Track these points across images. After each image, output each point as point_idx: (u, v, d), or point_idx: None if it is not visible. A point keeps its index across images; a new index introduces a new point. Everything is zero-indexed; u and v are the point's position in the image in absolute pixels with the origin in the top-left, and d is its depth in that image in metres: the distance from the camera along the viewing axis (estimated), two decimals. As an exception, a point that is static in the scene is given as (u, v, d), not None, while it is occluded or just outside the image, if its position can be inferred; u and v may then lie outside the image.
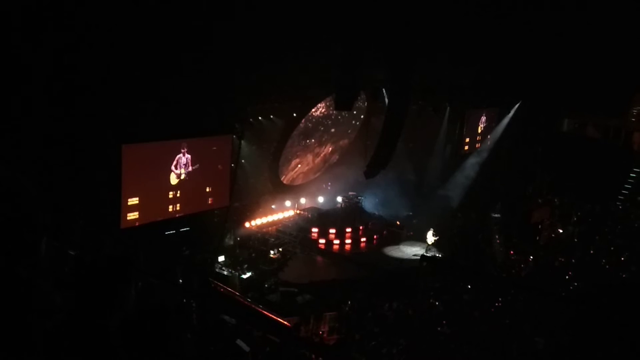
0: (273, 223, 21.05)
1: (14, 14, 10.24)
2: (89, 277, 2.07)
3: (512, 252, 18.61)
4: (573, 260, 17.29)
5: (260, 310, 11.40)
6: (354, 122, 22.60)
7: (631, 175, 22.87)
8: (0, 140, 10.75)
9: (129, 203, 14.27)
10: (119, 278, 2.11)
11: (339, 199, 23.57)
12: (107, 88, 12.38)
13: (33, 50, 10.88)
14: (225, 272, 15.96)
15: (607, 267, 16.81)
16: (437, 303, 13.86)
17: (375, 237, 21.04)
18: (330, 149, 22.92)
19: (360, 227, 21.05)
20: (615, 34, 18.84)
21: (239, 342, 5.61)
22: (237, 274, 15.99)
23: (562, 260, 17.42)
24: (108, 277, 2.08)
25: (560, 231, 20.04)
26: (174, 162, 15.45)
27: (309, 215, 21.89)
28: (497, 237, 19.73)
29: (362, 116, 22.58)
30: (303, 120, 19.89)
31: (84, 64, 11.81)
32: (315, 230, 20.61)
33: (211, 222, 17.26)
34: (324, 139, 22.06)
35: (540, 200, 21.93)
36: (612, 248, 18.05)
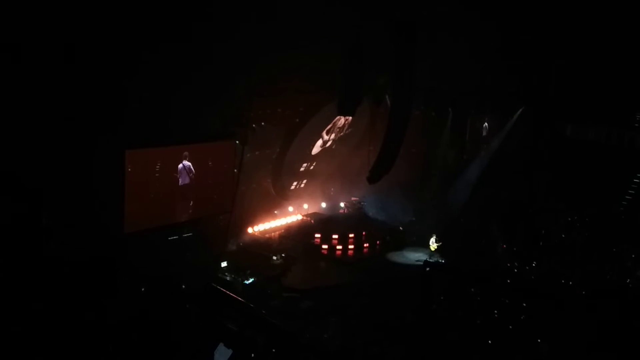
0: (276, 229, 21.03)
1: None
2: (86, 278, 2.08)
3: (515, 257, 18.52)
4: (576, 266, 17.20)
5: (264, 315, 11.36)
6: (356, 127, 22.58)
7: (635, 179, 22.78)
8: (3, 144, 10.81)
9: (131, 210, 14.25)
10: (110, 280, 2.12)
11: (342, 204, 23.56)
12: (110, 94, 12.45)
13: (35, 55, 10.94)
14: (227, 278, 15.93)
15: (611, 271, 16.71)
16: (440, 308, 13.80)
17: (377, 242, 20.99)
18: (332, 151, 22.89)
19: (363, 233, 21.01)
20: (620, 40, 18.84)
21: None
22: (239, 279, 15.95)
23: (566, 265, 17.33)
24: (101, 279, 2.09)
25: (564, 236, 19.95)
26: (177, 169, 15.48)
27: (312, 221, 21.87)
28: (500, 242, 19.65)
29: (364, 121, 22.57)
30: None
31: (87, 69, 11.87)
32: (318, 235, 20.59)
33: (214, 227, 17.26)
34: (327, 144, 22.05)
35: (543, 206, 21.85)
36: (615, 252, 17.96)
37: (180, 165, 15.53)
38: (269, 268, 17.47)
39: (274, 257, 18.07)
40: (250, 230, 19.85)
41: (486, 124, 25.71)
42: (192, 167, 15.73)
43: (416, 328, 13.11)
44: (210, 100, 14.63)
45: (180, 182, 15.62)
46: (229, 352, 6.02)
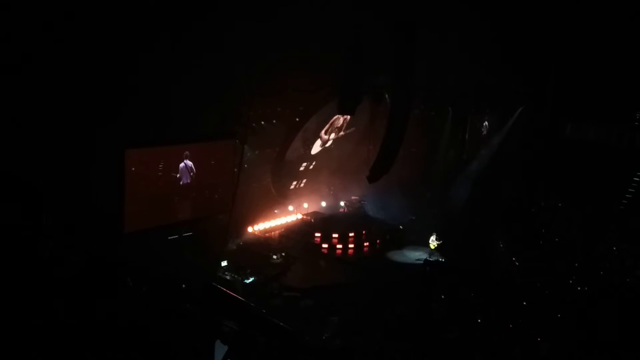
0: (276, 228, 21.04)
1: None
2: (86, 278, 2.09)
3: (515, 256, 18.54)
4: (576, 265, 17.22)
5: (264, 315, 11.38)
6: (357, 126, 22.60)
7: (634, 178, 22.79)
8: (3, 144, 10.81)
9: (131, 210, 14.26)
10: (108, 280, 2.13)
11: (342, 203, 23.56)
12: (110, 92, 12.45)
13: (35, 58, 10.95)
14: (228, 277, 15.96)
15: (611, 270, 16.72)
16: (440, 307, 13.81)
17: (378, 241, 21.00)
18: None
19: (363, 232, 21.03)
20: (619, 39, 18.86)
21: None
22: (239, 278, 15.97)
23: (566, 264, 17.34)
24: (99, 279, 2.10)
25: (564, 235, 19.96)
26: (178, 168, 15.47)
27: (312, 220, 21.88)
28: (500, 241, 19.66)
29: (365, 120, 22.59)
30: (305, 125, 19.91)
31: (87, 68, 11.88)
32: (318, 234, 20.60)
33: (214, 226, 17.28)
34: (326, 144, 22.06)
35: (543, 204, 21.86)
36: (615, 251, 17.97)
37: (182, 165, 15.53)
38: (269, 267, 17.49)
39: (274, 256, 18.09)
40: (250, 229, 19.86)
41: (486, 122, 25.73)
42: (193, 166, 15.74)
43: (416, 327, 13.12)
44: (210, 100, 14.63)
45: (181, 181, 15.61)
46: (226, 348, 6.08)
